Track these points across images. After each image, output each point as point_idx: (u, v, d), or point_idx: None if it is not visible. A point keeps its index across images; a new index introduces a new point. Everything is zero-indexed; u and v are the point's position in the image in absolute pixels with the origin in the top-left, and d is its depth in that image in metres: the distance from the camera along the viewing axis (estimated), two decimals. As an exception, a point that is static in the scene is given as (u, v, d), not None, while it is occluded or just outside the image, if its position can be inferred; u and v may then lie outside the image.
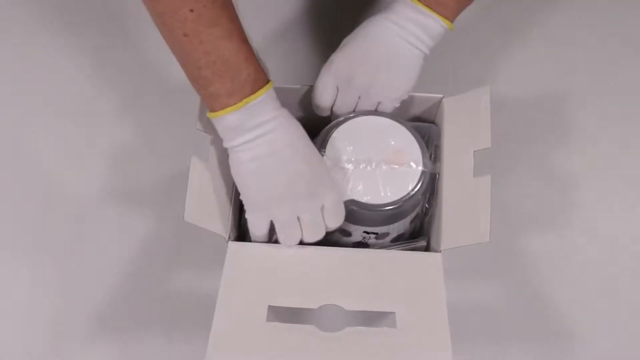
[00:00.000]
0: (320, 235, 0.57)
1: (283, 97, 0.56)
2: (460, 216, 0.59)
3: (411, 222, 0.64)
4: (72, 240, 0.73)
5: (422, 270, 0.58)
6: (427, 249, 0.64)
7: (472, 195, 0.59)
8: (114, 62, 0.81)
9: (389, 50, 0.60)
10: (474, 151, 0.60)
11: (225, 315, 0.53)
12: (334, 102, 0.63)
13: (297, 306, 0.54)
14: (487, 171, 0.58)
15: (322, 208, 0.56)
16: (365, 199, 0.59)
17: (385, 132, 0.62)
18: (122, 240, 0.72)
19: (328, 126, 0.63)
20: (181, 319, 0.69)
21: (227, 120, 0.53)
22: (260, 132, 0.54)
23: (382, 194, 0.60)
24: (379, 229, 0.62)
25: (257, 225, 0.57)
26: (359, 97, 0.62)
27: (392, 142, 0.62)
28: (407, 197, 0.60)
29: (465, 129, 0.62)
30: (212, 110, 0.54)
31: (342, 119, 0.63)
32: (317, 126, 0.63)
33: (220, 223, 0.59)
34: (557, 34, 0.84)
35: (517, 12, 0.86)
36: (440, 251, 0.59)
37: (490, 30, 0.84)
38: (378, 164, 0.60)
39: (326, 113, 0.64)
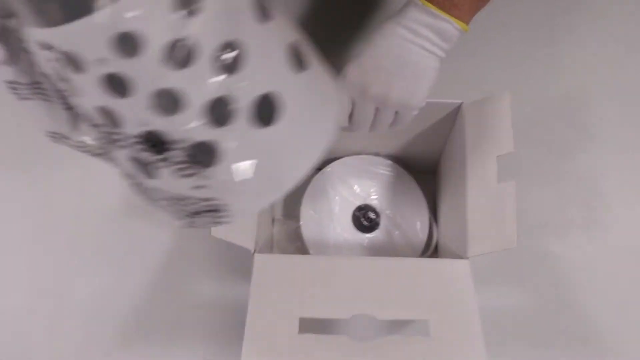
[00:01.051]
0: None
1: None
2: (485, 222, 0.59)
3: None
4: (97, 251, 0.73)
5: (452, 278, 0.57)
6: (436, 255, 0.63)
7: (497, 201, 0.58)
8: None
9: (402, 59, 0.58)
10: (497, 156, 0.60)
11: (256, 328, 0.52)
12: (351, 115, 0.62)
13: (329, 317, 0.53)
14: (510, 176, 0.57)
15: None
16: None
17: None
18: (146, 253, 0.72)
19: None
20: (208, 330, 0.68)
21: None
22: None
23: None
24: None
25: None
26: (376, 109, 0.62)
27: None
28: None
29: (487, 134, 0.62)
30: None
31: None
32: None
33: (245, 235, 0.58)
34: (565, 36, 0.84)
35: (537, 13, 0.85)
36: (468, 258, 0.59)
37: (504, 31, 0.84)
38: None
39: (344, 125, 0.63)
